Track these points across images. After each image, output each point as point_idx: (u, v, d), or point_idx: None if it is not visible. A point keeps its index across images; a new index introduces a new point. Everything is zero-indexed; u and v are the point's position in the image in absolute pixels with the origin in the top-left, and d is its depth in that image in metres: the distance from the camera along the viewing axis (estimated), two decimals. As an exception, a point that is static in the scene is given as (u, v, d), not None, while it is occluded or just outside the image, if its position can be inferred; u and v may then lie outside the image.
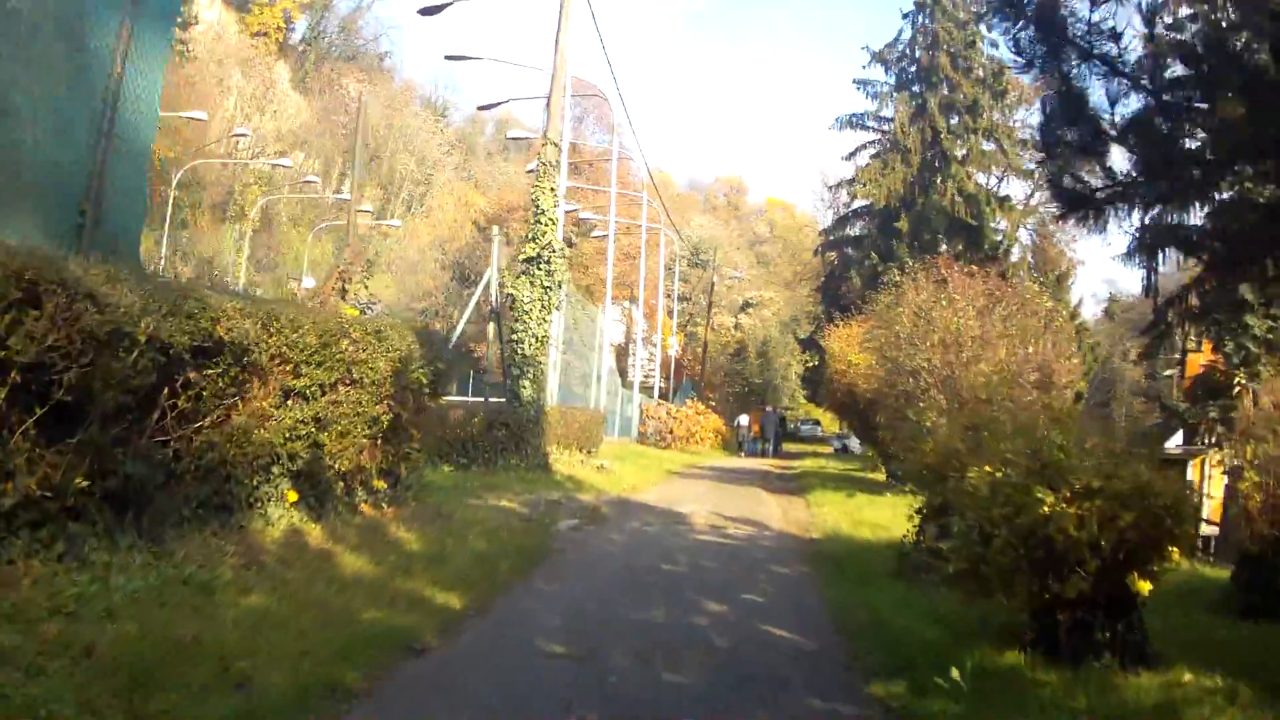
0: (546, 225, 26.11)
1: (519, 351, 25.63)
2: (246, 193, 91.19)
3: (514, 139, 74.46)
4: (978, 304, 26.10)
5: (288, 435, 12.18)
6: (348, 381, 13.20)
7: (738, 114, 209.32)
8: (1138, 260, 38.70)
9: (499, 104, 54.08)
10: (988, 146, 66.38)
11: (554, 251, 26.00)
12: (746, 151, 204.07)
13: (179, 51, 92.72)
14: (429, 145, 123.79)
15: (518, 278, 26.09)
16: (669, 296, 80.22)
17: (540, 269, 25.81)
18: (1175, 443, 48.98)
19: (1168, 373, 51.04)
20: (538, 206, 26.49)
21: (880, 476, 36.42)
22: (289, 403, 12.28)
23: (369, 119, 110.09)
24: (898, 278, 28.68)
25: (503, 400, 26.43)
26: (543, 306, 25.70)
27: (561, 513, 19.61)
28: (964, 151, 65.51)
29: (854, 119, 70.63)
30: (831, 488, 30.26)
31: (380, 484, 14.89)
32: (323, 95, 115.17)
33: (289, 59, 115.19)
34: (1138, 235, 39.10)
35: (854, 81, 69.87)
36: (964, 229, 60.18)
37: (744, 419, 69.02)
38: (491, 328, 27.68)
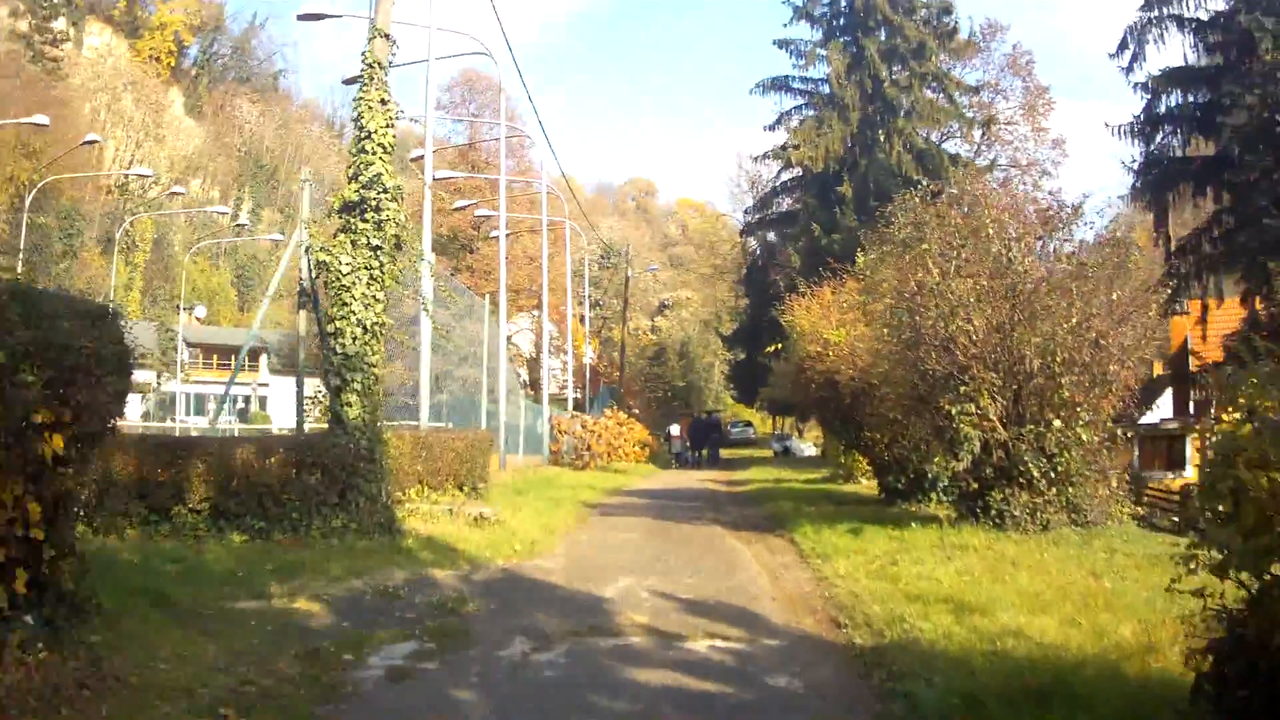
0: (374, 155, 16.63)
1: (337, 350, 16.32)
2: (137, 224, 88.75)
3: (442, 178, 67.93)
4: (1037, 231, 17.66)
5: None
6: None
7: (642, 117, 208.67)
8: (1147, 199, 28.66)
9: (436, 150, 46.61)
10: (935, 97, 58.73)
11: (384, 192, 16.59)
12: (654, 155, 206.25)
13: (49, 69, 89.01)
14: (326, 164, 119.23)
15: (333, 237, 16.77)
16: (580, 302, 72.46)
17: (365, 220, 16.46)
18: (1161, 416, 41.37)
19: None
20: (361, 128, 16.87)
21: (865, 489, 28.70)
22: None
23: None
24: (916, 201, 19.52)
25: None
26: (371, 279, 16.36)
27: (391, 622, 11.03)
28: (910, 103, 57.59)
29: (778, 81, 63.24)
30: (817, 515, 21.37)
31: None
32: (215, 119, 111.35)
33: (182, 84, 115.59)
34: (1139, 171, 29.50)
35: (774, 42, 62.17)
36: (922, 190, 51.42)
37: (674, 428, 61.87)
38: (303, 318, 18.27)
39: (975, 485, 17.46)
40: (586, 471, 40.41)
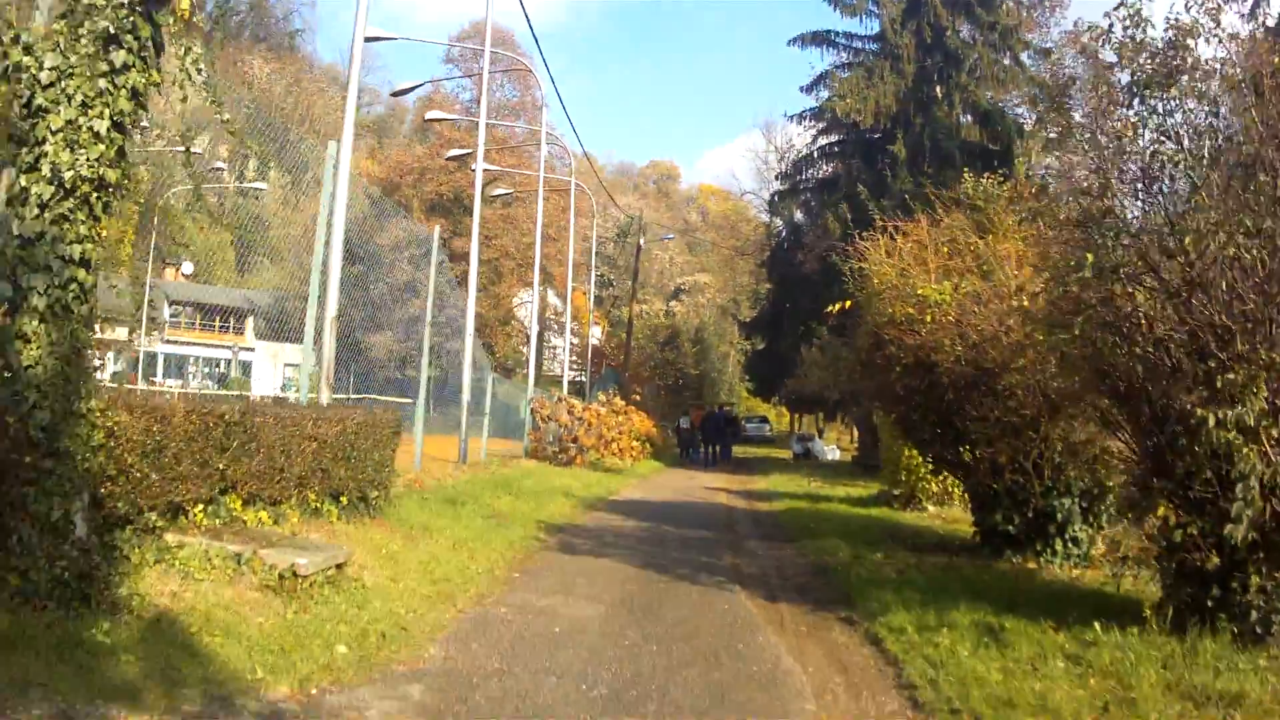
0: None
1: (13, 229, 7.91)
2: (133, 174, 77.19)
3: (431, 120, 63.86)
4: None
5: None
6: None
7: (669, 104, 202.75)
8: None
9: (415, 88, 41.15)
10: (1000, 56, 50.30)
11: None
12: (678, 143, 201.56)
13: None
14: (337, 128, 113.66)
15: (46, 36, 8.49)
16: (583, 274, 68.25)
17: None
18: None
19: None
20: None
21: (939, 522, 21.23)
22: None
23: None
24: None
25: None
26: (95, 96, 8.10)
27: None
28: (974, 58, 49.27)
29: (819, 35, 54.61)
30: (895, 576, 13.67)
31: None
32: (228, 74, 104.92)
33: (196, 38, 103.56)
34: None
35: (815, -8, 53.81)
36: (985, 155, 42.74)
37: (685, 420, 55.13)
38: (3, 182, 9.58)
39: (1215, 561, 9.29)
40: (570, 469, 32.25)
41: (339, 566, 10.41)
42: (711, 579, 13.98)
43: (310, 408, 14.01)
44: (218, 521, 10.80)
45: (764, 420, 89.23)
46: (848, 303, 17.73)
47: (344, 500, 13.64)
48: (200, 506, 10.57)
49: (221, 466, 10.84)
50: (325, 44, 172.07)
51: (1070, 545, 15.04)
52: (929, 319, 15.00)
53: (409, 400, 26.12)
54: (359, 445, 13.86)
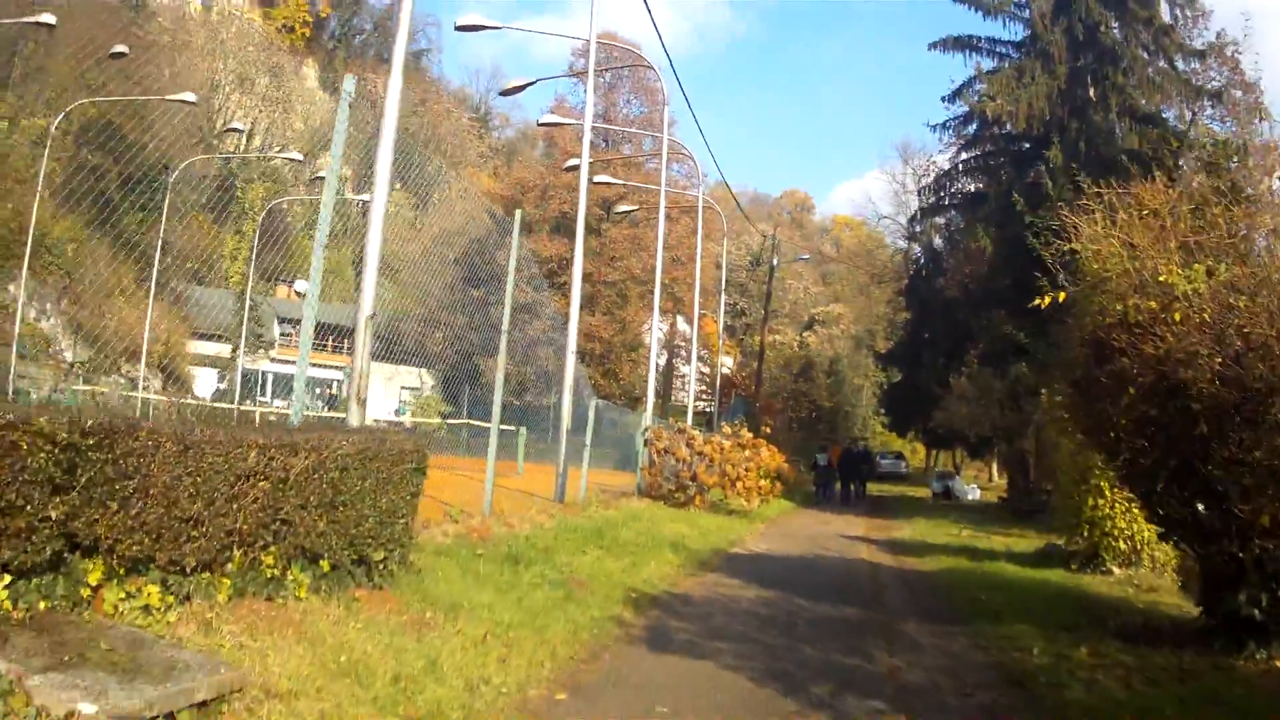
0: None
1: None
2: (249, 189, 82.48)
3: (547, 125, 62.73)
4: None
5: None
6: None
7: (800, 137, 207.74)
8: None
9: (524, 87, 39.05)
10: (1156, 60, 45.79)
11: None
12: (811, 178, 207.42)
13: (133, 5, 79.88)
14: (465, 150, 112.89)
15: None
16: (709, 294, 65.56)
17: None
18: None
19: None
20: None
21: (1134, 592, 17.07)
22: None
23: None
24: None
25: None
26: None
27: None
28: (1128, 59, 44.69)
29: (960, 40, 50.17)
30: (1135, 699, 9.16)
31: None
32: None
33: (318, 58, 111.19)
34: None
35: (954, -1, 49.21)
36: (1145, 164, 37.23)
37: (822, 457, 50.14)
38: None
39: None
40: (686, 511, 27.72)
41: (200, 706, 5.97)
42: (862, 704, 9.02)
43: (260, 429, 9.46)
44: (43, 604, 6.56)
45: (899, 456, 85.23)
46: (1061, 295, 12.59)
47: (325, 565, 9.35)
48: (5, 580, 6.31)
49: (57, 515, 6.55)
50: (453, 67, 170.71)
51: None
52: (1177, 318, 10.31)
53: (521, 428, 22.14)
54: (348, 485, 9.53)
